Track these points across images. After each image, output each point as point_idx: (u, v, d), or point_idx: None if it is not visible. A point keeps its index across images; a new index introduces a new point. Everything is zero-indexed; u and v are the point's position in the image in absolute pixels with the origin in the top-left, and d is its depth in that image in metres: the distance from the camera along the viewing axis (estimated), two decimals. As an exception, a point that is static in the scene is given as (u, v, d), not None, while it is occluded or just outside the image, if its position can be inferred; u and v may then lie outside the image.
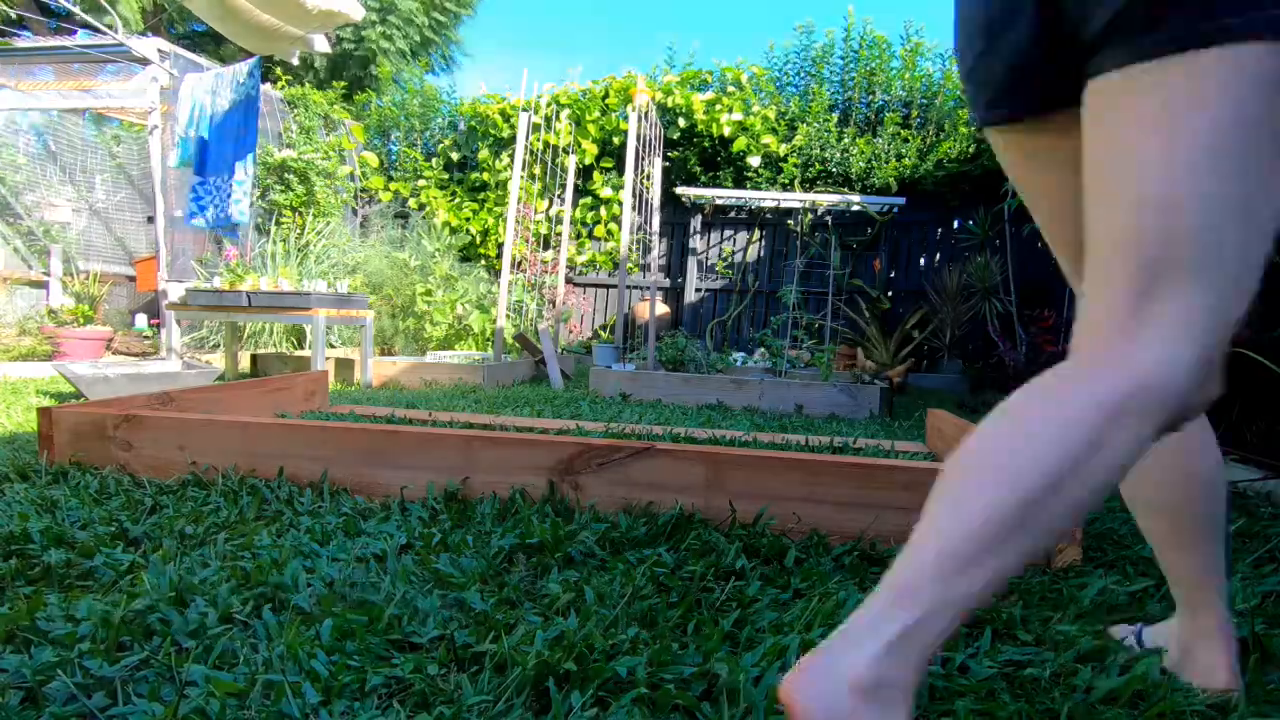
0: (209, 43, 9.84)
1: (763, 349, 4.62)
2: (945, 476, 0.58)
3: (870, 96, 6.92)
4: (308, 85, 7.08)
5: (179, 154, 4.52)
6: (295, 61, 4.76)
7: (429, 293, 5.48)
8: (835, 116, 6.83)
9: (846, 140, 6.72)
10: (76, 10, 4.54)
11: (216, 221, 4.35)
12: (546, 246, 6.60)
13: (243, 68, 4.37)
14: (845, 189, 6.77)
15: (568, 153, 6.78)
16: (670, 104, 6.95)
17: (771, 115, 6.83)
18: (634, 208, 4.85)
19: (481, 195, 7.60)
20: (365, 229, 7.22)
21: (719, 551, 1.18)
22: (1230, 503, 1.68)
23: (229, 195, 4.28)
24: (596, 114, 7.22)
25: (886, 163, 6.58)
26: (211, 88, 4.42)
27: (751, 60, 7.60)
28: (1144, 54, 0.55)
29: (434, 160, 7.81)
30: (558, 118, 7.11)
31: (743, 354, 4.99)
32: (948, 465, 0.59)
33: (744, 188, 6.92)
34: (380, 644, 0.83)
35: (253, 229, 6.21)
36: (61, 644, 0.81)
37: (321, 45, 4.63)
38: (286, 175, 6.22)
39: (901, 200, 6.22)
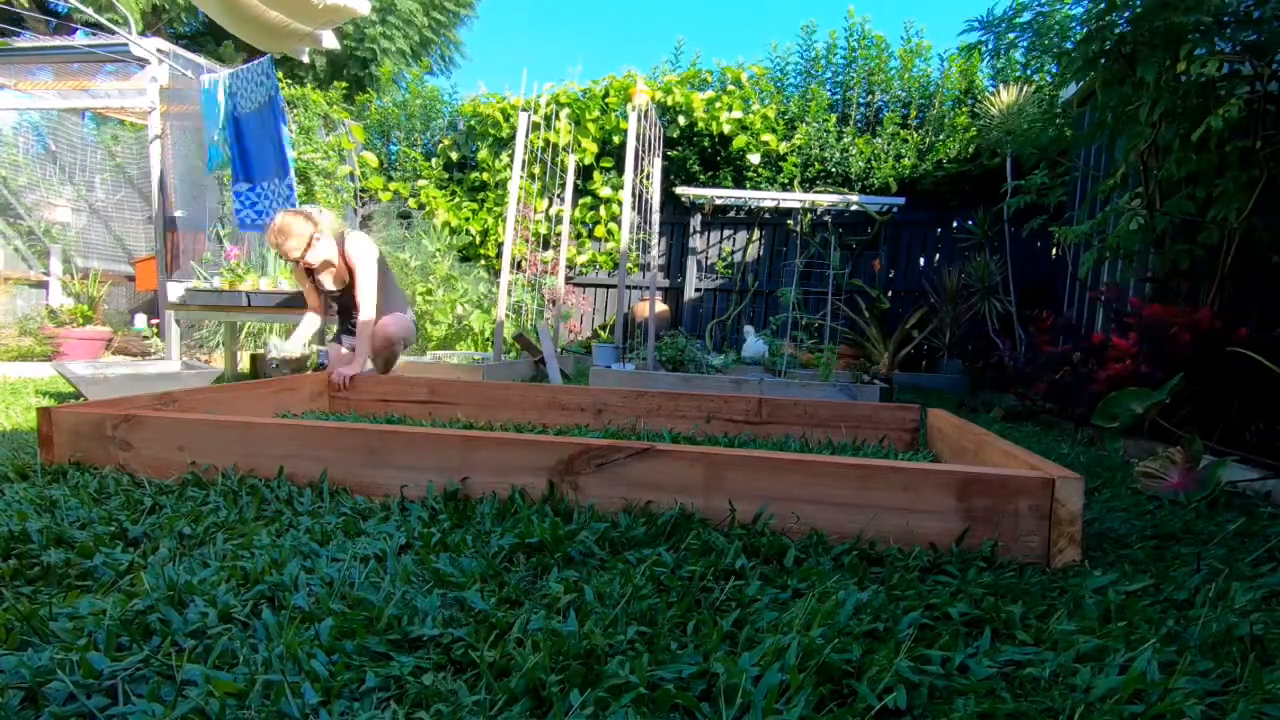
0: (209, 42, 9.84)
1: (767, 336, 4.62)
2: None
3: (870, 96, 6.93)
4: (308, 85, 7.08)
5: (209, 158, 4.51)
6: (305, 59, 4.76)
7: (429, 292, 5.48)
8: (835, 116, 6.84)
9: (846, 140, 6.72)
10: (87, 10, 4.52)
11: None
12: (546, 246, 6.61)
13: (257, 67, 4.36)
14: (845, 189, 6.77)
15: (567, 152, 6.78)
16: (670, 103, 6.95)
17: (771, 114, 6.84)
18: (634, 207, 4.85)
19: (481, 195, 7.60)
20: (365, 229, 7.22)
21: (718, 551, 1.18)
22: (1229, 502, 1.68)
23: (286, 199, 4.28)
24: (596, 113, 7.22)
25: (886, 162, 6.59)
26: (234, 89, 4.41)
27: (751, 60, 7.61)
28: None
29: (434, 160, 7.81)
30: (557, 117, 7.11)
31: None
32: None
33: (743, 187, 6.92)
34: (380, 644, 0.83)
35: (252, 229, 6.20)
36: (61, 644, 0.81)
37: (330, 41, 4.62)
38: (286, 175, 6.21)
39: (901, 200, 6.22)
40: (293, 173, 4.28)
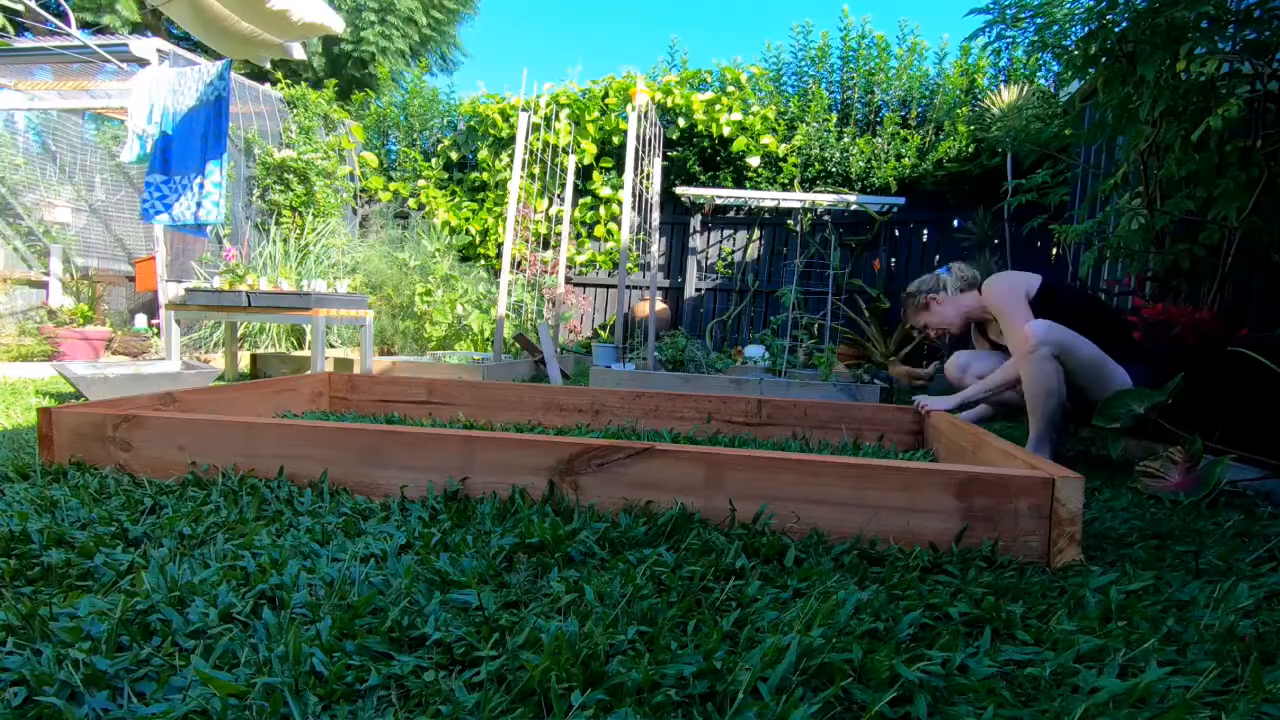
0: (208, 42, 9.82)
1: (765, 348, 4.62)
2: None
3: (869, 96, 6.92)
4: (306, 85, 7.08)
5: (138, 149, 4.44)
6: (267, 65, 4.79)
7: (429, 293, 5.48)
8: (834, 116, 6.83)
9: (846, 140, 6.72)
10: (66, 26, 4.51)
11: (184, 220, 4.31)
12: (546, 246, 6.60)
13: (211, 67, 4.35)
14: (845, 189, 6.77)
15: (567, 152, 6.78)
16: (670, 104, 6.95)
17: (771, 115, 6.84)
18: (633, 207, 4.85)
19: (481, 195, 7.60)
20: (365, 229, 7.22)
21: (719, 551, 1.18)
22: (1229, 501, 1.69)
23: (204, 195, 4.24)
24: (596, 114, 7.22)
25: (886, 162, 6.58)
26: (173, 85, 4.38)
27: (748, 59, 7.61)
28: None
29: (433, 160, 7.81)
30: (557, 117, 7.11)
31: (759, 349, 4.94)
32: None
33: (743, 187, 6.92)
34: (380, 643, 0.83)
35: (252, 229, 6.21)
36: (62, 644, 0.81)
37: (298, 52, 4.66)
38: (286, 175, 6.22)
39: (901, 200, 6.22)
40: (219, 173, 4.25)
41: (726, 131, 6.79)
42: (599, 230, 7.36)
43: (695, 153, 7.07)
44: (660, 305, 7.11)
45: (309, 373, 3.22)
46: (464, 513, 1.37)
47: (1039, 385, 2.13)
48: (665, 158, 6.94)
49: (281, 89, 6.74)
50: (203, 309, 3.89)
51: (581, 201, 7.31)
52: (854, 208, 6.40)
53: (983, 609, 0.98)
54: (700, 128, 6.92)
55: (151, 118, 4.38)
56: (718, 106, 6.84)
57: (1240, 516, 1.54)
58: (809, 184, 6.86)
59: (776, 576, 1.11)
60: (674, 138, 7.04)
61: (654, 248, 5.00)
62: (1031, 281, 2.36)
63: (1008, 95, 5.31)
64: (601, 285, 7.52)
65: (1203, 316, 2.22)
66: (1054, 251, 5.85)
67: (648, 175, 5.18)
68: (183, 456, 1.60)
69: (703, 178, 7.07)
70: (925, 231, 6.71)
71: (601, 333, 7.45)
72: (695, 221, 7.03)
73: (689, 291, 7.11)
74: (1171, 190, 2.66)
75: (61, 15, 4.67)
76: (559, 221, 6.46)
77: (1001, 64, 6.37)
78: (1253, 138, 2.29)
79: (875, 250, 6.70)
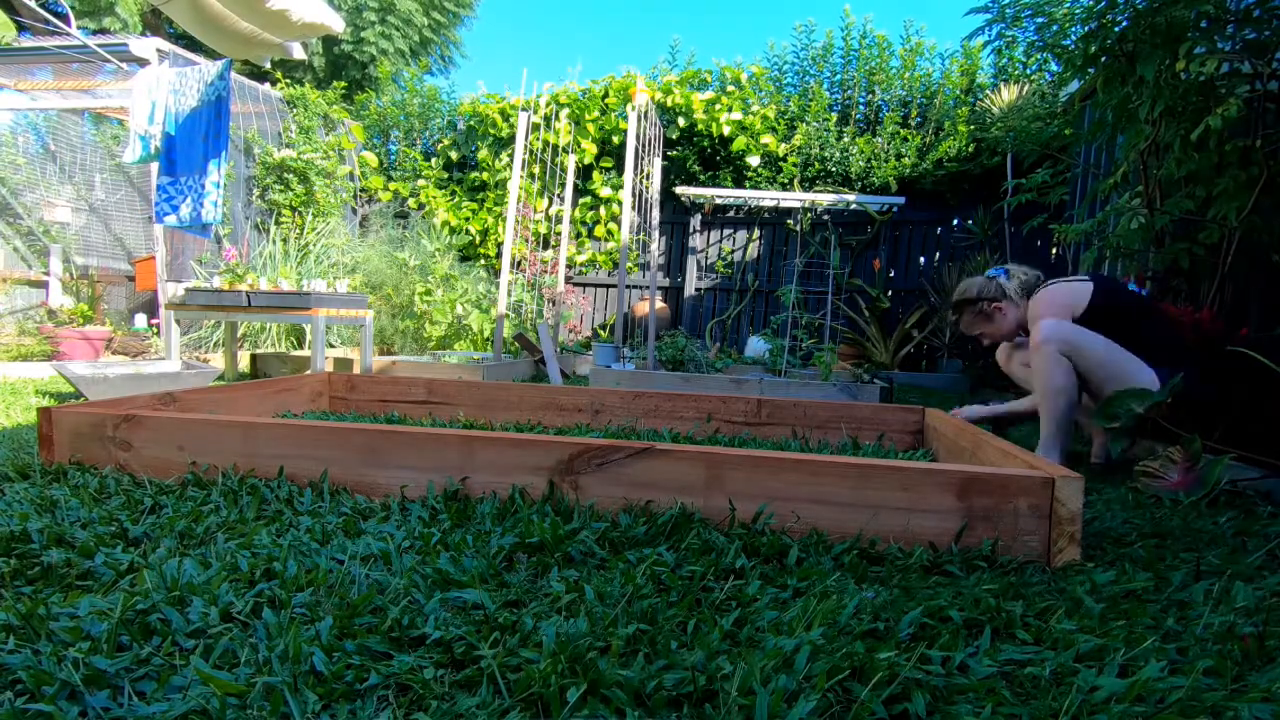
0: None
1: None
2: None
3: (870, 96, 6.92)
4: (307, 85, 7.08)
5: (140, 150, 4.45)
6: (268, 65, 4.80)
7: (428, 292, 5.48)
8: (835, 116, 6.83)
9: (846, 140, 6.71)
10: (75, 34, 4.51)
11: (189, 221, 4.32)
12: (546, 246, 6.60)
13: (212, 67, 4.35)
14: (845, 188, 6.76)
15: (567, 152, 6.77)
16: (670, 103, 6.94)
17: (771, 114, 6.83)
18: (633, 207, 4.85)
19: (481, 195, 7.60)
20: (365, 229, 7.21)
21: (719, 551, 1.18)
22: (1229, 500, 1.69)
23: (204, 195, 4.25)
24: (596, 113, 7.22)
25: (886, 162, 6.58)
26: (174, 85, 4.38)
27: (750, 59, 7.61)
28: None
29: (433, 160, 7.81)
30: (557, 117, 7.10)
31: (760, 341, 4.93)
32: None
33: (743, 187, 6.92)
34: (380, 643, 0.83)
35: (252, 229, 6.21)
36: (62, 643, 0.82)
37: (298, 52, 4.67)
38: (286, 175, 6.22)
39: (901, 199, 6.22)
40: (218, 173, 4.25)
41: (726, 131, 6.79)
42: (599, 230, 7.36)
43: (695, 152, 7.06)
44: (660, 305, 7.11)
45: (309, 372, 3.22)
46: (464, 512, 1.36)
47: (1045, 383, 2.09)
48: (665, 157, 6.94)
49: (281, 89, 6.74)
50: (203, 309, 3.89)
51: (581, 201, 7.31)
52: (854, 207, 6.40)
53: (982, 608, 0.98)
54: (700, 127, 6.92)
55: (153, 118, 4.38)
56: (718, 106, 6.83)
57: (1240, 516, 1.54)
58: (809, 183, 6.86)
59: (776, 576, 1.11)
60: (674, 137, 7.03)
61: (654, 247, 5.01)
62: (1080, 292, 2.18)
63: (1008, 94, 5.31)
64: (601, 285, 7.52)
65: (1203, 316, 2.22)
66: (1054, 251, 5.85)
67: (648, 175, 5.18)
68: (183, 456, 1.60)
69: (703, 177, 7.07)
70: (925, 231, 6.71)
71: (601, 332, 7.45)
72: (695, 221, 7.03)
73: (689, 291, 7.11)
74: (1171, 190, 2.66)
75: (62, 16, 4.66)
76: (559, 221, 6.46)
77: (1002, 63, 6.37)
78: (1252, 137, 2.29)
79: (875, 250, 6.70)
